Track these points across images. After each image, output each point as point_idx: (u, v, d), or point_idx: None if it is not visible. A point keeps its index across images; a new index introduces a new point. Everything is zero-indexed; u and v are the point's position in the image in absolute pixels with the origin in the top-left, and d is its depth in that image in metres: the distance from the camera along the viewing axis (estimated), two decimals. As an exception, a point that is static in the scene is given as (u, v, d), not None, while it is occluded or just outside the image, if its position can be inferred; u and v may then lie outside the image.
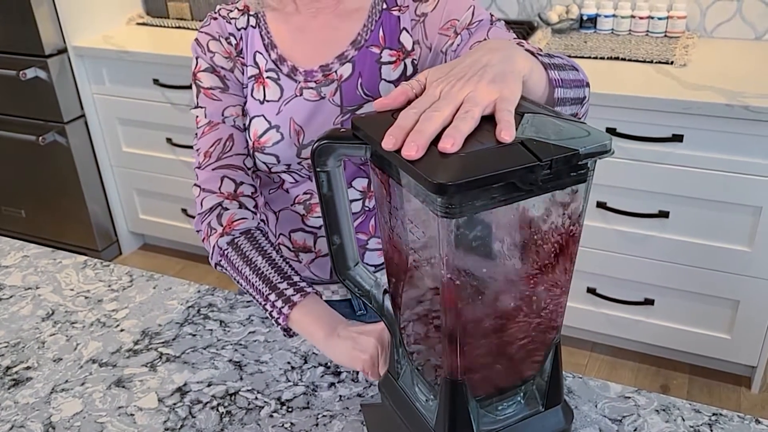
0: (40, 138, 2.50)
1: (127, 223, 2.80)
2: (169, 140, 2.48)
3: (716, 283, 1.90)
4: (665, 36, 2.11)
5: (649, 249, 1.94)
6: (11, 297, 1.15)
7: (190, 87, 2.38)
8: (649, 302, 2.02)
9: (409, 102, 0.57)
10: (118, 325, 1.07)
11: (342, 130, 0.59)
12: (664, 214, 1.89)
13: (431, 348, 0.62)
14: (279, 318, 0.86)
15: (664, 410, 0.87)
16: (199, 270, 2.70)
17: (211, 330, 1.05)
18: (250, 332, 1.04)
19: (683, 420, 0.86)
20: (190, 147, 2.44)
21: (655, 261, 1.95)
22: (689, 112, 1.73)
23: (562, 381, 0.66)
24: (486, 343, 0.59)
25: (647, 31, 2.13)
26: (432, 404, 0.65)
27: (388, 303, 0.68)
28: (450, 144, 0.51)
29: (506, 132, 0.52)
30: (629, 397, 0.90)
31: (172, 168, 2.53)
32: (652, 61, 1.95)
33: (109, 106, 2.51)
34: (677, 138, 1.78)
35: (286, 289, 0.86)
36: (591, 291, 2.07)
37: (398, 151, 0.52)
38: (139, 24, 2.59)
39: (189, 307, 1.10)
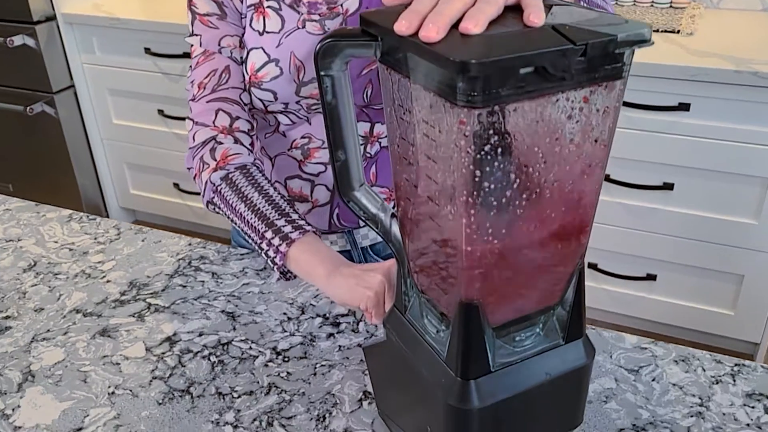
0: (28, 108, 2.43)
1: (118, 198, 2.73)
2: (160, 112, 2.41)
3: (721, 257, 1.86)
4: (670, 6, 2.06)
5: (653, 222, 1.90)
6: (-9, 248, 1.09)
7: (183, 56, 2.32)
8: (651, 278, 1.98)
9: None
10: (104, 277, 1.01)
11: (349, 28, 0.54)
12: (668, 186, 1.84)
13: (444, 274, 0.57)
14: (276, 257, 0.80)
15: (683, 361, 0.83)
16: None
17: (203, 281, 1.00)
18: (243, 284, 0.99)
19: (704, 370, 0.81)
20: (183, 119, 2.38)
21: (658, 235, 1.91)
22: (696, 79, 1.68)
23: (584, 313, 0.61)
24: (504, 264, 0.53)
25: (652, 1, 2.08)
26: (443, 335, 0.59)
27: (395, 228, 0.63)
28: (473, 24, 0.46)
29: (535, 15, 0.47)
30: (646, 348, 0.85)
31: (164, 141, 2.46)
32: (657, 30, 1.90)
33: (99, 76, 2.45)
34: (684, 107, 1.73)
35: (284, 226, 0.80)
36: (592, 266, 2.03)
37: (413, 36, 0.47)
38: (130, -8, 2.53)
39: (179, 259, 1.05)
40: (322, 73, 0.56)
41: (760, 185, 1.75)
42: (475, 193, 0.49)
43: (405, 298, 0.64)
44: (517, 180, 0.50)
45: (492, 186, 0.49)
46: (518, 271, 0.54)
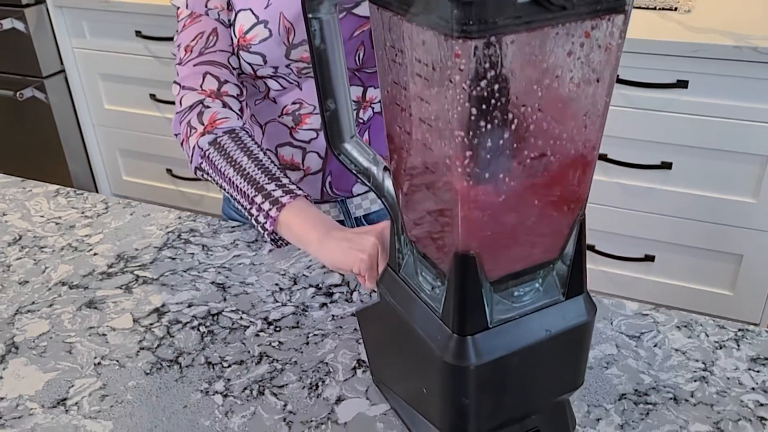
0: (18, 93, 2.39)
1: (110, 184, 2.70)
2: (152, 96, 2.38)
3: (719, 236, 1.84)
4: (668, -15, 2.04)
5: (651, 202, 1.88)
6: (-24, 223, 1.06)
7: (173, 38, 2.29)
8: (649, 258, 1.96)
9: None
10: (90, 250, 0.99)
11: (338, -33, 0.52)
12: (666, 166, 1.82)
13: (439, 226, 0.55)
14: (266, 222, 0.78)
15: (685, 326, 0.80)
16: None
17: (193, 254, 0.97)
18: (234, 256, 0.96)
19: (707, 336, 0.79)
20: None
21: (656, 215, 1.88)
22: (695, 56, 1.65)
23: (585, 268, 0.58)
24: (502, 210, 0.51)
25: (649, -20, 2.05)
26: (439, 291, 0.57)
27: (388, 182, 0.60)
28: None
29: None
30: (647, 315, 0.83)
31: (157, 126, 2.43)
32: (655, 8, 1.88)
33: (90, 60, 2.41)
34: (682, 84, 1.71)
35: (274, 190, 0.78)
36: (589, 248, 2.01)
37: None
38: (121, -25, 2.49)
39: (169, 232, 1.02)
40: (310, 15, 0.53)
41: (759, 163, 1.73)
42: (471, 133, 0.47)
43: (399, 256, 0.62)
44: (515, 119, 0.47)
45: (489, 125, 0.47)
46: (516, 219, 0.52)
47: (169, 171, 2.53)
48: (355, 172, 0.61)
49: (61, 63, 2.43)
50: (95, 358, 0.79)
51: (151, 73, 2.32)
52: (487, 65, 0.44)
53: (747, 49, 1.59)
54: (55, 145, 2.51)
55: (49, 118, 2.46)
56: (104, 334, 0.83)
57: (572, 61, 0.47)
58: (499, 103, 0.46)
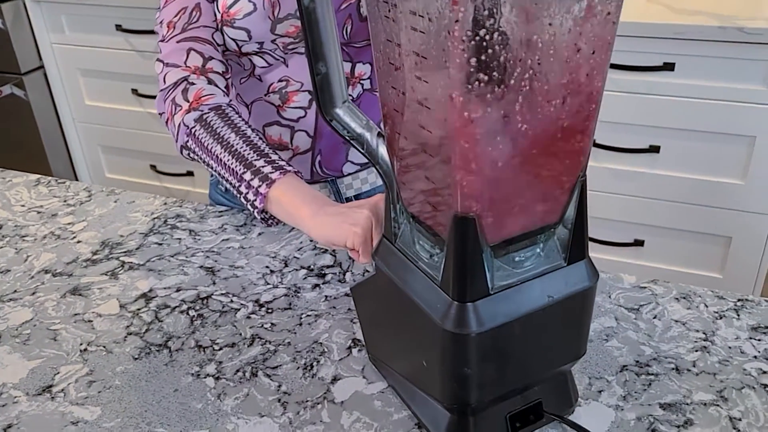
0: (-4, 90, 2.35)
1: (93, 182, 2.66)
2: (134, 91, 2.34)
3: (708, 219, 1.84)
4: (652, -31, 2.03)
5: (639, 186, 1.87)
6: (-46, 214, 1.03)
7: (155, 32, 2.25)
8: (638, 243, 1.95)
9: None
10: (74, 237, 0.96)
11: None
12: (654, 149, 1.82)
13: (437, 189, 0.53)
14: (255, 200, 0.75)
15: (684, 298, 0.79)
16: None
17: (180, 239, 0.95)
18: (223, 240, 0.94)
19: (706, 306, 0.78)
20: (157, 99, 2.31)
21: (645, 199, 1.88)
22: (681, 37, 1.65)
23: (586, 232, 0.57)
24: (501, 169, 0.49)
25: (633, -36, 2.05)
26: (438, 259, 0.55)
27: (383, 149, 0.58)
28: None
29: None
30: (645, 287, 0.82)
31: (139, 121, 2.39)
32: (640, -8, 1.87)
33: (70, 56, 2.37)
34: (669, 66, 1.71)
35: (263, 166, 0.75)
36: (579, 234, 2.00)
37: None
38: (99, -31, 2.45)
39: (155, 218, 1.00)
40: (299, -28, 0.51)
41: (746, 144, 1.73)
42: (469, 86, 0.45)
43: (395, 226, 0.60)
44: (515, 71, 0.45)
45: (488, 78, 0.45)
46: (516, 177, 0.50)
47: (153, 167, 2.49)
48: (348, 138, 0.59)
49: (40, 59, 2.39)
50: (81, 344, 0.77)
51: (133, 67, 2.28)
52: (486, 13, 0.43)
53: (732, 29, 1.59)
54: (36, 143, 2.47)
55: (29, 115, 2.42)
56: (90, 321, 0.80)
57: (574, 6, 0.45)
58: (499, 55, 0.44)
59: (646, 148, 1.82)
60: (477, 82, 0.45)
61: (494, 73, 0.45)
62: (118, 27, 2.21)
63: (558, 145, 0.50)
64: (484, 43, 0.44)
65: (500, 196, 0.50)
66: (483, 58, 0.44)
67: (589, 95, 0.50)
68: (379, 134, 0.59)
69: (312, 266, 0.88)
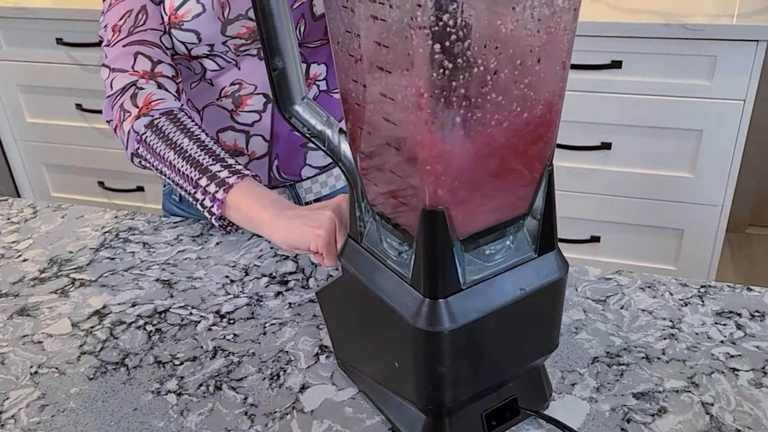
0: (-70, 110, 2.24)
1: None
2: (78, 106, 2.27)
3: (661, 213, 1.88)
4: (595, -30, 2.07)
5: (593, 183, 1.90)
6: None
7: (99, 45, 2.18)
8: (595, 239, 1.98)
9: None
10: (20, 256, 0.91)
11: None
12: (606, 146, 1.85)
13: (403, 185, 0.51)
14: (213, 206, 0.73)
15: (649, 287, 0.80)
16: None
17: (133, 252, 0.91)
18: (179, 251, 0.90)
19: (671, 294, 0.78)
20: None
21: (600, 195, 1.91)
22: (627, 35, 1.68)
23: (555, 224, 0.56)
24: (468, 161, 0.48)
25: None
26: (406, 256, 0.54)
27: (345, 145, 0.57)
28: None
29: None
30: (610, 278, 0.82)
31: (85, 137, 2.32)
32: (585, -8, 1.90)
33: (8, 71, 2.28)
34: (616, 64, 1.74)
35: (219, 171, 0.73)
36: (537, 233, 2.02)
37: None
38: (36, -19, 2.37)
39: (105, 232, 0.96)
40: (251, -37, 0.49)
41: (694, 138, 1.77)
42: (434, 75, 0.43)
43: (360, 224, 0.58)
44: (480, 58, 0.44)
45: (452, 65, 0.44)
46: (484, 167, 0.49)
47: (101, 183, 2.41)
48: (308, 136, 0.57)
49: (-24, 76, 2.29)
50: (31, 367, 0.72)
51: (76, 81, 2.21)
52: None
53: (676, 26, 1.63)
54: (-25, 164, 2.37)
55: (-33, 135, 2.32)
56: (40, 342, 0.76)
57: (535, -5, 0.45)
58: (463, 41, 0.43)
59: (598, 146, 1.85)
60: (442, 70, 0.43)
61: (459, 60, 0.44)
62: (59, 41, 2.14)
63: (526, 134, 0.49)
64: (448, 29, 0.42)
65: (469, 187, 0.49)
66: (447, 44, 0.43)
67: (556, 83, 0.49)
68: (341, 131, 0.57)
69: (274, 273, 0.85)
